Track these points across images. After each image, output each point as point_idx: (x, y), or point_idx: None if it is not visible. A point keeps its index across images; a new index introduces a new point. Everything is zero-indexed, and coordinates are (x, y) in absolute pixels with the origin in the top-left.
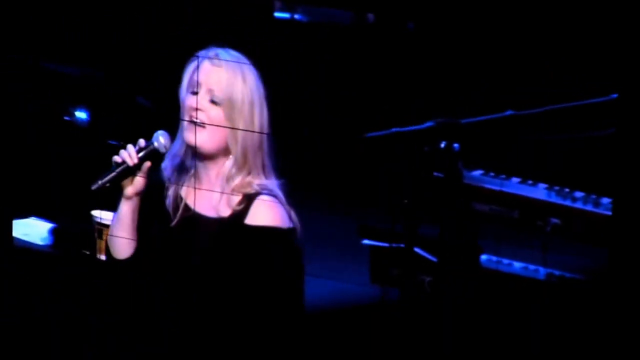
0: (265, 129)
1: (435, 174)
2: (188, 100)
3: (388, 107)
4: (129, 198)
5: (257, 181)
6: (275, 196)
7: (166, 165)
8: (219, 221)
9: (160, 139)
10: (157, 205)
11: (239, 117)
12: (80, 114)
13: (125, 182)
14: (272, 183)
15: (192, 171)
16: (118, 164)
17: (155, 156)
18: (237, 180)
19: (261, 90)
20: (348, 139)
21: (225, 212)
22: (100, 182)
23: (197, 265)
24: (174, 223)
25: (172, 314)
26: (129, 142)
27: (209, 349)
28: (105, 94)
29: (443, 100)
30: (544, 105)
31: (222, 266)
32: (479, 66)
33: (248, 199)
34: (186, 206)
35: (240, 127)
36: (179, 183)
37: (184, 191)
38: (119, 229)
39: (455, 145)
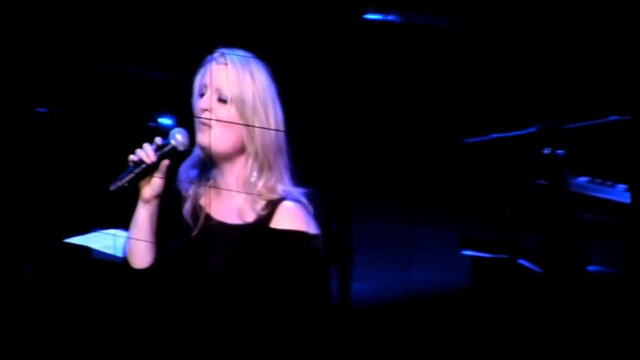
0: (281, 128)
1: (538, 181)
2: (197, 104)
3: (485, 113)
4: (147, 201)
5: (282, 186)
6: (300, 202)
7: (183, 176)
8: (243, 227)
9: (178, 136)
10: (175, 216)
11: (254, 116)
12: (166, 121)
13: (143, 183)
14: (297, 190)
15: (211, 180)
16: (136, 163)
17: (173, 154)
18: (261, 183)
19: (272, 87)
20: (445, 145)
21: (250, 218)
22: (119, 183)
23: (222, 273)
24: (194, 233)
25: (197, 322)
26: None
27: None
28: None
29: (544, 105)
30: None
31: (248, 272)
32: (580, 70)
33: (273, 204)
34: (207, 216)
35: (257, 126)
36: (197, 193)
37: (202, 200)
38: (138, 236)
39: (559, 151)
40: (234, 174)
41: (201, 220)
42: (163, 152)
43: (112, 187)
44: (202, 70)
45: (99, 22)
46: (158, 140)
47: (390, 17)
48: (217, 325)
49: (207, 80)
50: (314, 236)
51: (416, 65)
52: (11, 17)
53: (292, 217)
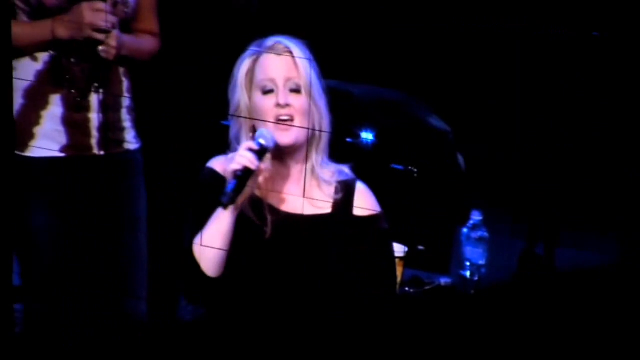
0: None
1: None
2: (265, 101)
3: None
4: (237, 208)
5: (335, 165)
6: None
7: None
8: (323, 217)
9: (266, 134)
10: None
11: (320, 100)
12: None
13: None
14: (346, 166)
15: (272, 173)
16: (237, 173)
17: (264, 155)
18: (324, 166)
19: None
20: None
21: (326, 206)
22: (232, 194)
23: (311, 263)
24: (269, 231)
25: (280, 311)
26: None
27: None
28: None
29: None
30: None
31: (337, 259)
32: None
33: (346, 187)
34: (272, 209)
35: (322, 108)
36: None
37: (259, 192)
38: (222, 244)
39: None
40: (299, 163)
41: (268, 215)
42: (260, 156)
43: (226, 200)
44: (254, 65)
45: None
46: (252, 144)
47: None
48: (299, 306)
49: (272, 74)
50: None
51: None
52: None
53: (370, 199)
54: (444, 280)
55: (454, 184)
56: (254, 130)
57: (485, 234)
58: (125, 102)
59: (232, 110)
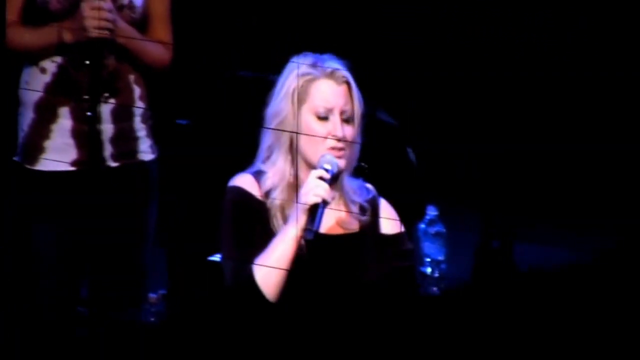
0: None
1: None
2: (318, 126)
3: None
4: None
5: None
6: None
7: (274, 195)
8: (352, 236)
9: (330, 159)
10: (270, 235)
11: (360, 127)
12: None
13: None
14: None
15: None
16: (317, 205)
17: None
18: (350, 185)
19: None
20: None
21: (353, 224)
22: (316, 229)
23: (346, 284)
24: (304, 253)
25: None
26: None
27: None
28: None
29: None
30: None
31: (368, 278)
32: None
33: (371, 205)
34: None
35: (362, 134)
36: (280, 209)
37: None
38: (286, 269)
39: None
40: (340, 185)
41: (300, 237)
42: (330, 183)
43: (311, 237)
44: (309, 85)
45: None
46: (324, 174)
47: None
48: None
49: (332, 103)
50: None
51: None
52: None
53: (394, 217)
54: None
55: (405, 178)
56: (291, 144)
57: (442, 229)
58: (138, 110)
59: (273, 121)
